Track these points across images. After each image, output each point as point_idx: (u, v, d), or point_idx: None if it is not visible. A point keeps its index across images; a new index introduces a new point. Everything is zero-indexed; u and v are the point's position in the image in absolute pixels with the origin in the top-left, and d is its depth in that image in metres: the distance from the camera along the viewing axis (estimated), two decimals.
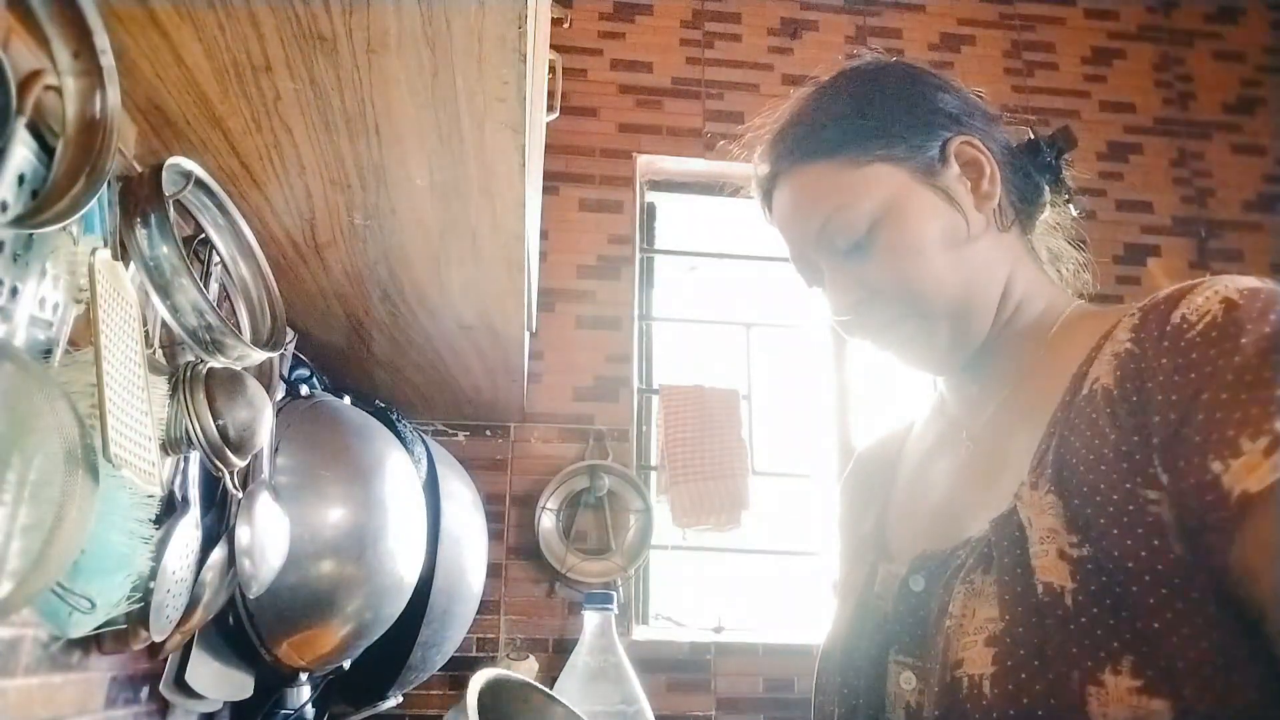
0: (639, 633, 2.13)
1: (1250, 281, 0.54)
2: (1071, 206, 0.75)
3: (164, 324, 0.84)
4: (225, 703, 1.21)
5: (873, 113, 0.68)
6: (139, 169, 0.82)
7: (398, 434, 1.45)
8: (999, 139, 0.72)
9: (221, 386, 0.88)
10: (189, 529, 0.93)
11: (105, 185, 0.71)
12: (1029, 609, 0.53)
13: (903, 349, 0.70)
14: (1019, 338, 0.69)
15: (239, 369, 0.90)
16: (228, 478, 0.95)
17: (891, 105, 0.68)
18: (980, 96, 0.76)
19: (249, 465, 1.01)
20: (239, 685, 1.18)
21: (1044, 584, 0.53)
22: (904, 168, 0.66)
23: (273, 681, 1.26)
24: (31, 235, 0.69)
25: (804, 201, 0.69)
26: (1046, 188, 0.74)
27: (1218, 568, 0.49)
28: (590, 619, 1.72)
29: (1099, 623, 0.51)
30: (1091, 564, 0.52)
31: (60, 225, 0.67)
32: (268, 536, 1.05)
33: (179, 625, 0.94)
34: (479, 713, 0.61)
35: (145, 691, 1.04)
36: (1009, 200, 0.70)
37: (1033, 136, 0.75)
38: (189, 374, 0.86)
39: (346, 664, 1.35)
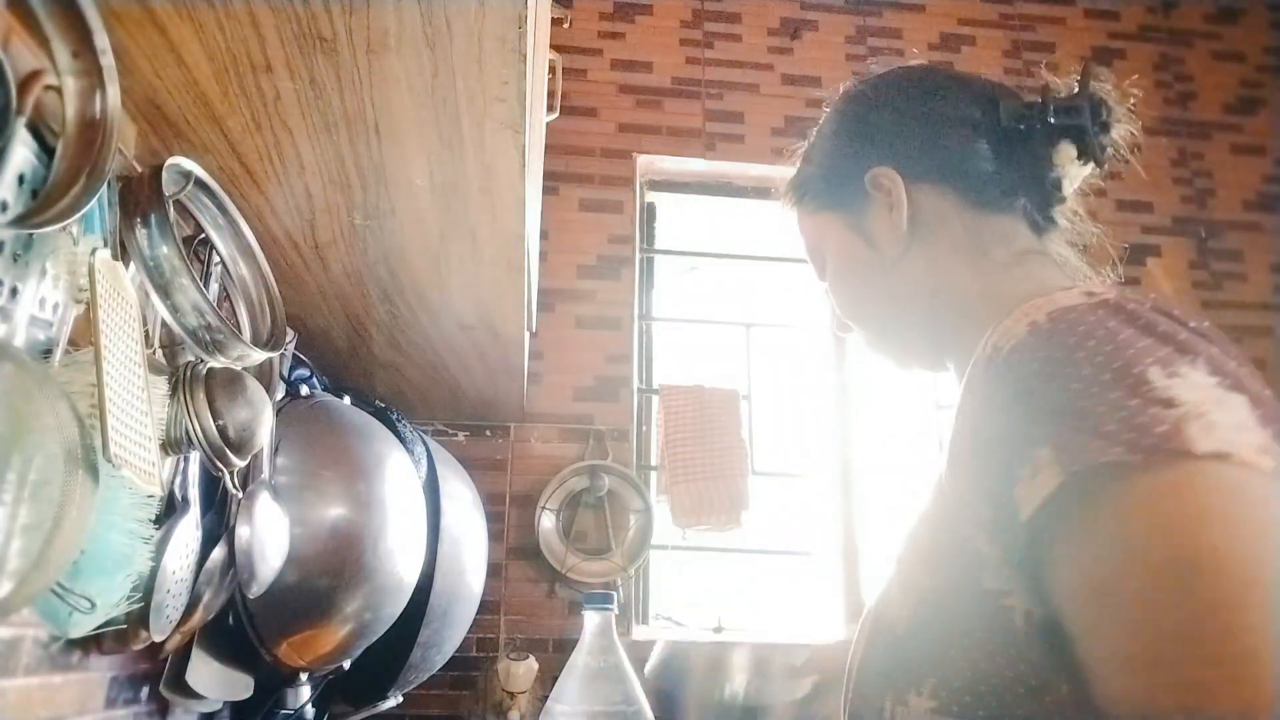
0: (639, 633, 2.13)
1: (1070, 300, 0.48)
2: (1097, 164, 0.68)
3: (164, 324, 0.84)
4: (225, 703, 1.21)
5: (817, 167, 0.74)
6: (139, 169, 0.82)
7: (398, 434, 1.45)
8: (954, 142, 0.67)
9: (221, 386, 0.88)
10: (189, 529, 0.93)
11: (105, 185, 0.71)
12: (878, 633, 0.57)
13: (885, 357, 0.75)
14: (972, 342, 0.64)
15: (239, 369, 0.90)
16: (228, 478, 0.95)
17: (828, 154, 0.74)
18: (953, 83, 0.70)
19: (249, 465, 1.01)
20: (239, 685, 1.18)
21: (891, 612, 0.56)
22: (838, 213, 0.72)
23: (273, 681, 1.26)
24: (31, 235, 0.69)
25: (801, 240, 0.78)
26: (1059, 152, 0.66)
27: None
28: (590, 619, 1.71)
29: (919, 648, 0.52)
30: (933, 593, 0.53)
31: (60, 225, 0.67)
32: (268, 536, 1.05)
33: (179, 625, 0.94)
34: None
35: (145, 691, 1.04)
36: (964, 200, 0.66)
37: (1008, 115, 0.67)
38: (189, 374, 0.86)
39: (346, 664, 1.35)
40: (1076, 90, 0.65)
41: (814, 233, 0.75)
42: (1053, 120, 0.65)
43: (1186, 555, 0.40)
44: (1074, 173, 0.68)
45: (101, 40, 0.69)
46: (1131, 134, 0.67)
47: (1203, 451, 0.40)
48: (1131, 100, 0.66)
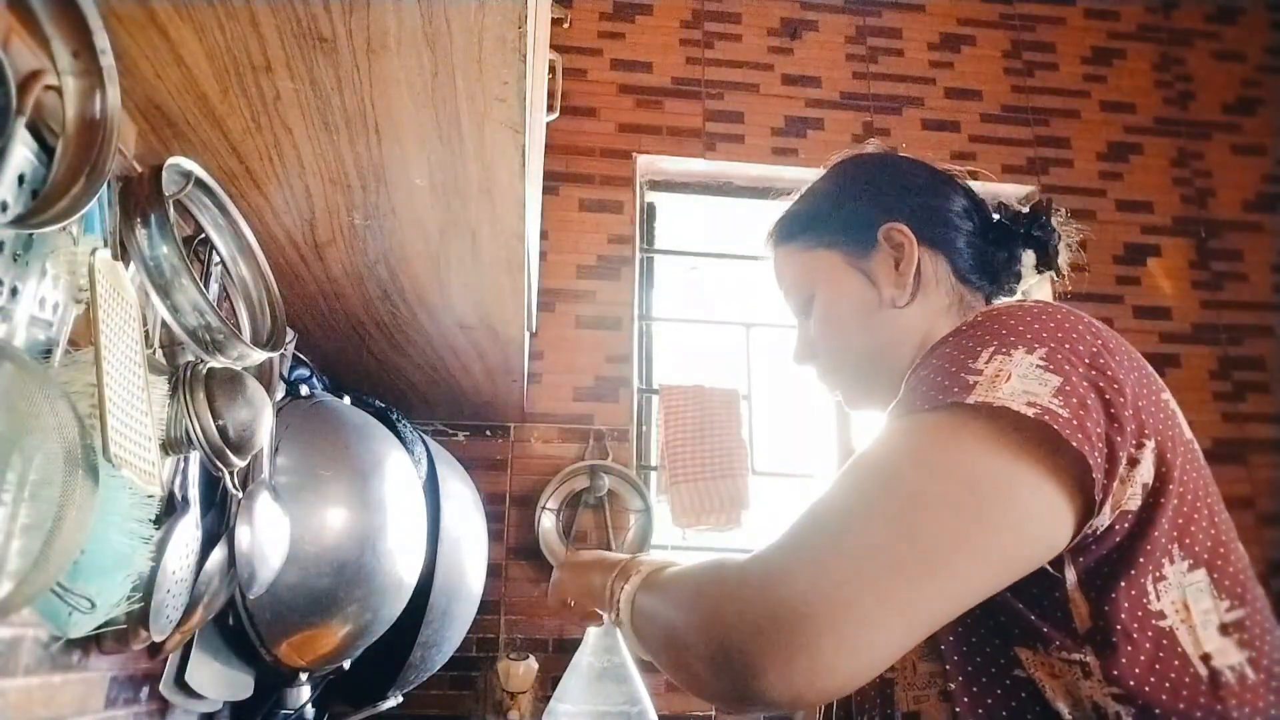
0: None
1: (1017, 301, 0.61)
2: (1052, 273, 0.80)
3: (164, 324, 0.84)
4: (225, 703, 1.21)
5: (825, 207, 0.81)
6: (139, 169, 0.82)
7: (398, 434, 1.45)
8: (954, 221, 0.77)
9: (221, 386, 0.88)
10: (189, 529, 0.93)
11: (105, 185, 0.71)
12: None
13: (838, 393, 0.83)
14: None
15: (239, 369, 0.90)
16: (228, 478, 0.95)
17: (843, 198, 0.80)
18: (957, 178, 0.81)
19: (249, 465, 1.01)
20: (239, 685, 1.18)
21: None
22: (839, 252, 0.78)
23: (273, 681, 1.26)
24: (31, 235, 0.69)
25: (776, 275, 0.85)
26: (1025, 256, 0.80)
27: None
28: (592, 636, 1.71)
29: None
30: None
31: (60, 225, 0.67)
32: (268, 537, 1.05)
33: (179, 625, 0.94)
34: None
35: (145, 691, 1.04)
36: (954, 272, 0.76)
37: (1002, 216, 0.80)
38: (189, 374, 0.86)
39: (346, 664, 1.35)
40: (1045, 217, 0.79)
41: (804, 267, 0.80)
42: (1036, 231, 0.78)
43: (882, 461, 0.53)
44: (1029, 275, 0.81)
45: (101, 40, 0.69)
46: (1070, 261, 0.82)
47: (970, 402, 0.52)
48: (1075, 239, 0.81)
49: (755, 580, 0.49)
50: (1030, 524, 0.50)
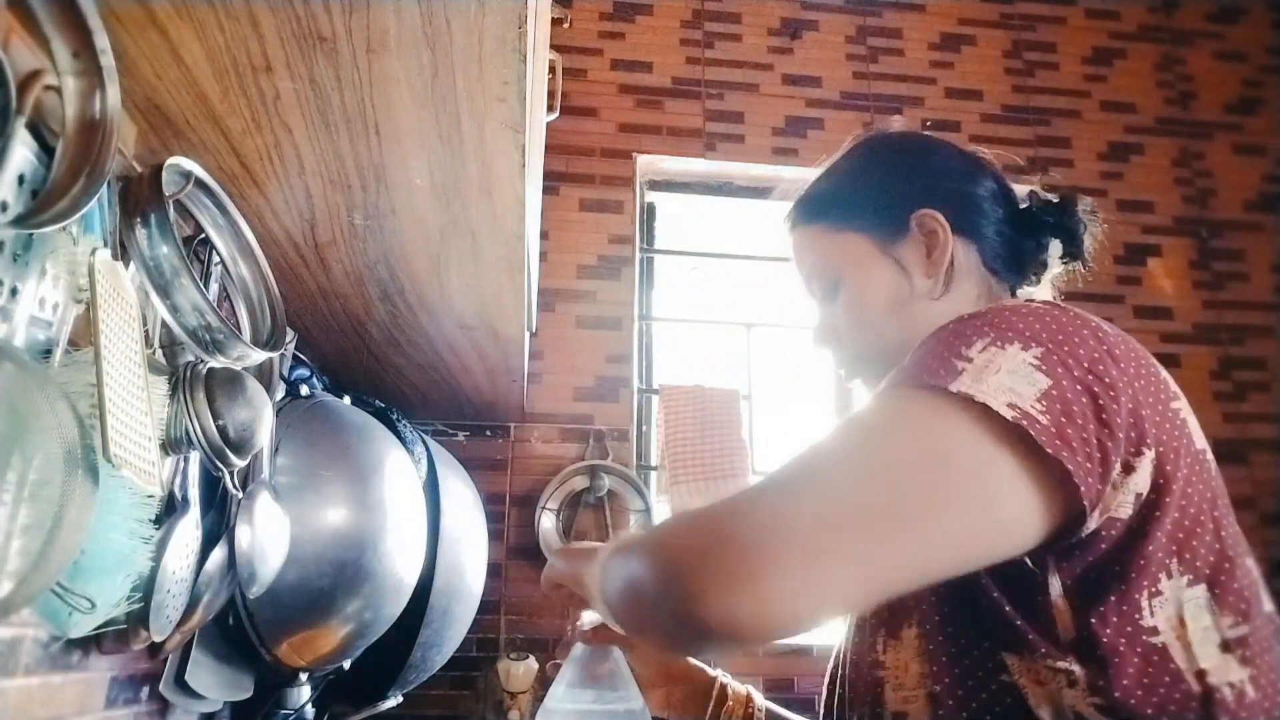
0: None
1: (1025, 300, 0.60)
2: (1078, 264, 0.79)
3: (164, 324, 0.84)
4: (225, 703, 1.21)
5: (853, 187, 0.78)
6: (139, 169, 0.82)
7: (398, 434, 1.45)
8: (984, 208, 0.76)
9: (221, 386, 0.88)
10: (189, 529, 0.93)
11: (105, 185, 0.71)
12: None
13: (859, 379, 0.81)
14: None
15: (239, 369, 0.90)
16: (228, 478, 0.96)
17: (872, 180, 0.78)
18: (987, 161, 0.79)
19: (249, 465, 1.01)
20: (239, 685, 1.18)
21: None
22: (869, 236, 0.75)
23: (273, 681, 1.26)
24: (31, 235, 0.69)
25: (797, 256, 0.83)
26: (1052, 245, 0.78)
27: None
28: (587, 616, 1.71)
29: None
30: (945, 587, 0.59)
31: (60, 225, 0.67)
32: (268, 537, 1.05)
33: (179, 625, 0.94)
34: None
35: (145, 691, 1.04)
36: (984, 261, 0.75)
37: (1030, 204, 0.78)
38: (189, 374, 0.86)
39: (346, 664, 1.35)
40: (1074, 206, 0.77)
41: (830, 250, 0.77)
42: (1066, 220, 0.76)
43: (862, 424, 0.54)
44: (1054, 265, 0.80)
45: (101, 40, 0.69)
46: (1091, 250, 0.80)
47: (953, 390, 0.51)
48: (1100, 227, 0.79)
49: (714, 512, 0.51)
50: (1000, 509, 0.49)
